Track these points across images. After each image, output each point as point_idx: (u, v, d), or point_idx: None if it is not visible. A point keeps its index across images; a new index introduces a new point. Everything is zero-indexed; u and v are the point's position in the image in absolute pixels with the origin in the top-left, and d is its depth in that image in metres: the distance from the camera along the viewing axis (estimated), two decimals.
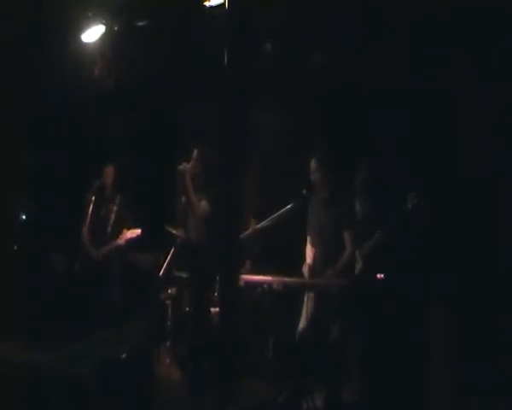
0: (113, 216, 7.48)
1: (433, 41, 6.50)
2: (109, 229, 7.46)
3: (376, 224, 6.39)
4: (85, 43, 7.27)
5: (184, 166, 6.54)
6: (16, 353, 5.67)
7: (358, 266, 6.41)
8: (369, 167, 6.53)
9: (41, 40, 7.35)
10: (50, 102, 8.01)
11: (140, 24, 7.23)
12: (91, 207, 7.41)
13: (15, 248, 8.15)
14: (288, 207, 6.18)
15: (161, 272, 7.46)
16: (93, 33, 7.19)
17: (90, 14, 7.07)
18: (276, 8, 6.72)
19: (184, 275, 7.17)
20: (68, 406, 5.16)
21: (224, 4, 5.87)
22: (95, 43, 7.27)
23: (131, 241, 7.40)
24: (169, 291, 7.49)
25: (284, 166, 7.59)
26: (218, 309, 6.72)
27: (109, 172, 7.57)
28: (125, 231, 7.37)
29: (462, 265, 5.94)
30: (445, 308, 5.71)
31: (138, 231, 7.38)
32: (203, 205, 6.53)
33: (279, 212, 6.22)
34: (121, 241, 7.35)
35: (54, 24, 7.18)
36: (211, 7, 6.55)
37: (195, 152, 6.65)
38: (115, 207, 7.50)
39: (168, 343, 7.30)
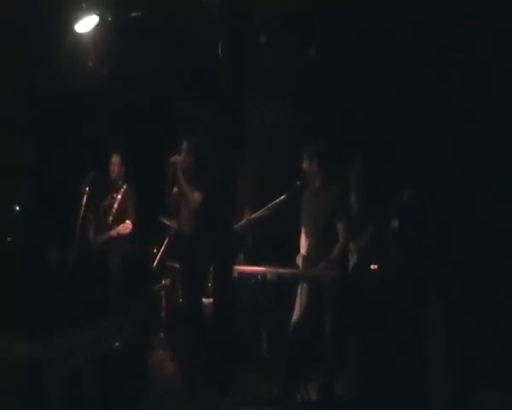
0: (115, 205, 7.44)
1: (431, 40, 6.53)
2: (111, 218, 7.41)
3: (371, 218, 6.43)
4: (79, 34, 7.22)
5: (176, 159, 6.57)
6: (11, 346, 5.65)
7: (353, 258, 6.45)
8: (363, 163, 6.56)
9: (34, 30, 7.31)
10: (44, 94, 7.97)
11: (134, 14, 7.21)
12: (85, 198, 7.37)
13: (10, 240, 8.12)
14: (282, 197, 6.20)
15: (155, 263, 7.47)
16: (87, 24, 7.15)
17: (83, 5, 7.04)
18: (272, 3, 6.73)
19: (178, 266, 7.18)
20: (63, 398, 5.16)
21: None
22: (88, 33, 7.23)
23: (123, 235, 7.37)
24: (163, 282, 7.51)
25: (281, 157, 7.62)
26: (211, 300, 6.75)
27: (115, 160, 7.51)
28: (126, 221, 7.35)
29: (460, 260, 5.98)
30: (444, 305, 5.72)
31: (129, 225, 7.33)
32: (196, 196, 6.55)
33: (273, 202, 6.24)
34: (114, 233, 7.31)
35: (47, 14, 7.14)
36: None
37: (185, 143, 6.67)
38: (119, 197, 7.45)
39: (162, 334, 7.31)
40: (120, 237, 7.30)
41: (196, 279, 6.70)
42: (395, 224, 6.65)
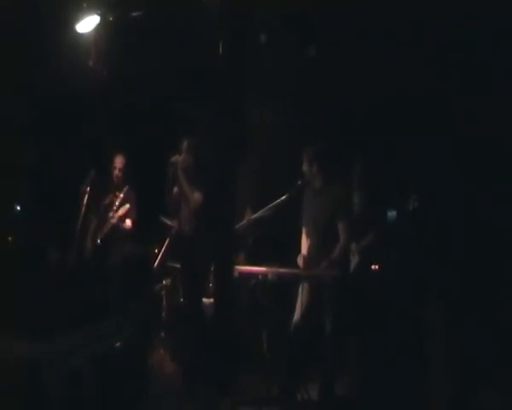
0: (117, 203, 7.42)
1: (431, 40, 6.53)
2: (111, 215, 7.42)
3: (372, 219, 6.43)
4: (79, 34, 7.22)
5: (176, 158, 6.58)
6: (11, 346, 5.65)
7: (354, 259, 6.45)
8: (363, 163, 6.55)
9: (34, 30, 7.31)
10: (44, 94, 7.97)
11: (134, 14, 7.20)
12: (86, 198, 7.38)
13: (11, 240, 8.12)
14: (283, 197, 6.19)
15: (156, 263, 7.47)
16: (87, 24, 7.14)
17: (84, 5, 7.03)
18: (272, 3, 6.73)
19: (179, 266, 7.18)
20: (63, 398, 5.15)
21: None
22: (88, 33, 7.22)
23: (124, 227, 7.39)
24: (164, 282, 7.50)
25: (281, 157, 7.62)
26: (212, 300, 6.75)
27: (119, 160, 7.53)
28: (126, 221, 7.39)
29: (460, 260, 5.97)
30: (444, 305, 5.72)
31: (129, 223, 7.37)
32: (197, 196, 6.56)
33: (274, 202, 6.24)
34: (114, 220, 7.34)
35: (48, 14, 7.14)
36: None
37: (185, 143, 6.68)
38: (121, 196, 7.45)
39: (162, 334, 7.30)
40: (120, 226, 7.33)
41: (197, 279, 6.71)
42: (392, 214, 6.65)
